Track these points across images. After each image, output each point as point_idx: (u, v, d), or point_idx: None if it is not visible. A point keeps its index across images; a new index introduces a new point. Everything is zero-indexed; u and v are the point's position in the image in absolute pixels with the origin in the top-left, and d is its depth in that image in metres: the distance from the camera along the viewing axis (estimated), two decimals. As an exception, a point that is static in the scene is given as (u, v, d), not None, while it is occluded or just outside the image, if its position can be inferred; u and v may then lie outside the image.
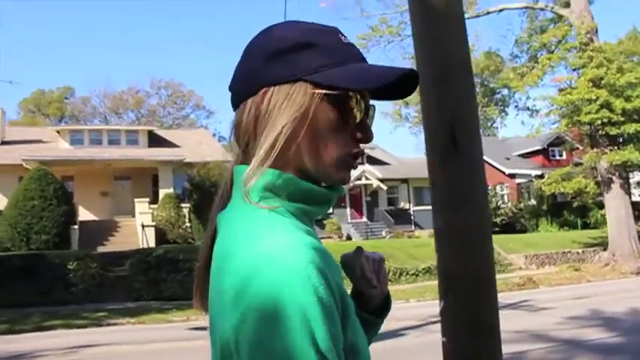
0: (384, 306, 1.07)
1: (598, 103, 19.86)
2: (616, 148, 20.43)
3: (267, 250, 0.72)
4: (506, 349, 7.86)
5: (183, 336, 10.51)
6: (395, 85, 0.87)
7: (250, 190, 0.81)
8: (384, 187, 30.58)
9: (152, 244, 22.66)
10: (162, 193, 25.37)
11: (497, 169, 37.43)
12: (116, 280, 16.75)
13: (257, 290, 0.69)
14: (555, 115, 21.84)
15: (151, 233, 23.49)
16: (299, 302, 0.68)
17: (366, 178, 30.40)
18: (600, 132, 20.62)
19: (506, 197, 37.02)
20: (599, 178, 21.21)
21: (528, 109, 34.14)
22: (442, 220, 2.45)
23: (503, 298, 15.92)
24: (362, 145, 0.89)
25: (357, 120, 0.87)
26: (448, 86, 2.39)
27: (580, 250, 23.40)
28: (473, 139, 2.38)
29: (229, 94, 0.92)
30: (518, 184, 36.31)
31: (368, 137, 0.88)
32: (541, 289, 16.34)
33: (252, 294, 0.69)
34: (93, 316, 13.25)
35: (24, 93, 77.80)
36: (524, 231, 33.24)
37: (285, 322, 0.68)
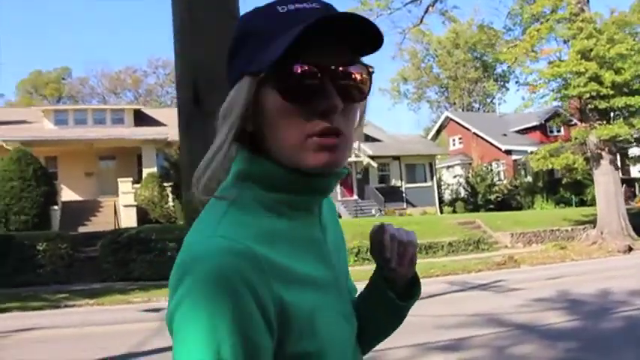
0: (410, 290, 1.02)
1: (587, 75, 19.16)
2: (605, 122, 19.77)
3: (195, 253, 0.74)
4: (451, 334, 7.45)
5: (135, 318, 10.16)
6: (324, 37, 0.78)
7: (229, 179, 0.84)
8: (375, 165, 30.01)
9: (134, 223, 22.38)
10: (145, 172, 25.00)
11: (493, 145, 36.82)
12: (86, 261, 16.42)
13: (179, 297, 0.72)
14: (544, 89, 21.12)
15: (133, 213, 23.21)
16: (209, 315, 0.69)
17: (356, 155, 29.82)
18: (589, 106, 19.96)
19: (502, 174, 36.43)
20: (589, 154, 20.63)
21: (529, 84, 33.45)
22: (188, 193, 1.97)
23: (477, 278, 15.80)
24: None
25: (308, 92, 0.78)
26: (196, 32, 1.89)
27: (569, 228, 22.85)
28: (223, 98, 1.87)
29: None
30: (515, 160, 35.64)
31: (329, 107, 0.78)
32: (521, 269, 15.86)
33: (176, 299, 0.72)
34: (53, 297, 12.92)
35: (22, 74, 77.56)
36: (519, 208, 32.74)
37: (193, 337, 0.69)
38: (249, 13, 0.86)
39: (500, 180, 35.66)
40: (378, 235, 0.95)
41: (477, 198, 33.25)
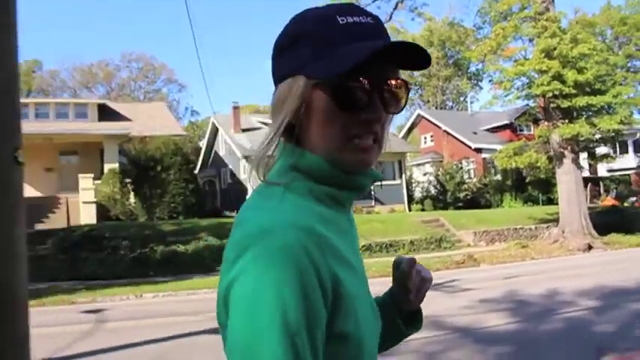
0: (412, 319, 1.15)
1: (550, 74, 19.11)
2: (567, 121, 19.75)
3: (261, 227, 0.77)
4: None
5: (71, 319, 9.77)
6: (383, 58, 0.87)
7: (280, 168, 0.90)
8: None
9: (93, 220, 21.89)
10: (107, 168, 24.45)
11: (463, 143, 36.84)
12: (37, 259, 15.91)
13: (242, 267, 0.75)
14: (509, 88, 21.02)
15: (92, 210, 22.66)
16: (277, 283, 0.72)
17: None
18: (552, 105, 19.92)
19: (472, 172, 36.43)
20: (552, 153, 20.60)
21: (495, 82, 33.46)
22: None
23: (434, 277, 15.40)
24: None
25: (361, 103, 0.87)
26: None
27: (533, 227, 22.86)
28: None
29: None
30: (484, 158, 35.66)
31: (374, 118, 0.88)
32: (480, 268, 15.75)
33: (237, 269, 0.76)
34: (-6, 298, 12.44)
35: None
36: (489, 206, 32.75)
37: (260, 301, 0.72)
38: (305, 15, 0.92)
39: (470, 178, 35.65)
40: (409, 266, 1.07)
41: (447, 196, 33.20)
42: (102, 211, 22.78)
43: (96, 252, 15.73)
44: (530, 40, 21.21)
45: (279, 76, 0.91)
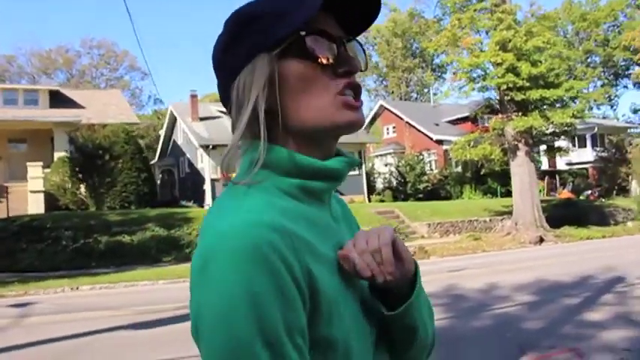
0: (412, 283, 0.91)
1: (504, 67, 19.11)
2: (521, 114, 19.79)
3: (221, 232, 0.72)
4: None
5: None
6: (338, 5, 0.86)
7: (244, 166, 0.84)
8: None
9: (42, 210, 21.23)
10: (57, 156, 23.73)
11: (425, 134, 36.86)
12: (-27, 251, 15.32)
13: (210, 276, 0.70)
14: (465, 79, 20.97)
15: (41, 199, 21.96)
16: (248, 288, 0.68)
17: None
18: (507, 97, 19.94)
19: (433, 164, 36.50)
20: (507, 145, 20.65)
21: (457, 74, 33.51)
22: None
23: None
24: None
25: (330, 57, 0.84)
26: None
27: (488, 219, 22.95)
28: None
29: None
30: (445, 150, 35.70)
31: (352, 67, 0.86)
32: (430, 260, 15.65)
33: (206, 279, 0.70)
34: None
35: (-57, 50, 73.24)
36: (449, 198, 32.89)
37: (234, 310, 0.68)
38: (245, 5, 0.89)
39: (431, 170, 35.73)
40: (344, 262, 0.83)
41: (407, 187, 33.21)
42: (51, 200, 22.11)
43: (36, 243, 15.19)
44: (487, 33, 21.19)
45: (231, 72, 0.86)
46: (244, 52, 0.84)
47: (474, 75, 20.53)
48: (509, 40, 19.24)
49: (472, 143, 20.80)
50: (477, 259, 15.53)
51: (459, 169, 34.62)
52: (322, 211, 0.87)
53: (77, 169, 22.56)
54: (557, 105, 20.16)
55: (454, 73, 21.03)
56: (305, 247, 0.76)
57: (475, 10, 20.07)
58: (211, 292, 0.69)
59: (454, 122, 38.08)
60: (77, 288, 12.08)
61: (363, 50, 0.92)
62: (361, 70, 0.89)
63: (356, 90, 0.86)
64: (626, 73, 47.59)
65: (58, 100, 28.15)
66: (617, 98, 49.41)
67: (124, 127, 24.00)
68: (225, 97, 0.89)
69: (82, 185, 22.35)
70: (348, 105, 0.84)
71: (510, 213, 22.35)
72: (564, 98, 19.81)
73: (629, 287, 9.45)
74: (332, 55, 0.84)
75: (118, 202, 22.62)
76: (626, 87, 47.15)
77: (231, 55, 0.86)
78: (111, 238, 16.23)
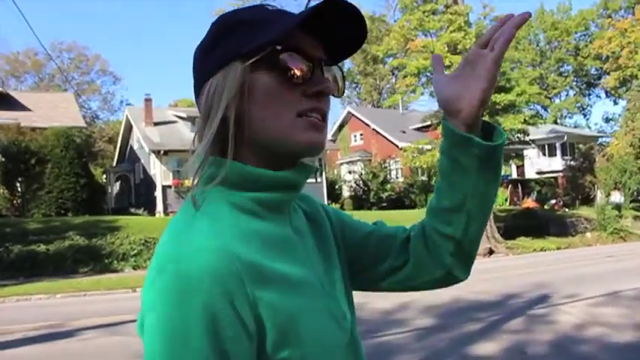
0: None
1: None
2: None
3: (166, 255, 0.71)
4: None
5: None
6: (326, 26, 0.83)
7: (198, 181, 0.82)
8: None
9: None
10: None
11: (391, 142, 35.99)
12: None
13: (150, 303, 0.70)
14: (415, 83, 20.12)
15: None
16: (182, 322, 0.67)
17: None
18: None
19: (399, 171, 35.62)
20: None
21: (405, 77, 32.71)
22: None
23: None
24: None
25: (302, 75, 0.81)
26: None
27: (441, 229, 22.05)
28: None
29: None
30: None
31: (325, 87, 0.83)
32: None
33: (147, 304, 0.70)
34: None
35: None
36: (413, 207, 32.02)
37: (163, 343, 0.67)
38: (232, 10, 0.88)
39: (397, 177, 34.88)
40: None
41: (370, 195, 32.31)
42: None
43: None
44: (437, 35, 20.37)
45: (205, 75, 0.84)
46: (220, 57, 0.82)
47: (424, 79, 19.66)
48: (460, 42, 18.41)
49: (422, 150, 19.89)
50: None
51: (425, 177, 33.78)
52: (280, 225, 0.83)
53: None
54: (510, 110, 19.33)
55: (404, 77, 20.11)
56: (253, 270, 0.72)
57: (424, 12, 19.19)
58: (151, 321, 0.68)
59: (421, 129, 37.22)
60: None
61: (343, 77, 0.90)
62: (334, 95, 0.87)
63: (323, 115, 0.83)
64: (598, 82, 47.16)
65: (3, 102, 26.96)
66: (590, 107, 48.93)
67: (65, 131, 22.87)
68: (197, 99, 0.87)
69: (5, 191, 21.13)
70: (312, 126, 0.81)
71: (465, 223, 21.49)
72: (516, 103, 18.98)
73: (547, 309, 8.52)
74: (304, 73, 0.81)
75: (53, 209, 21.47)
76: (598, 96, 46.63)
77: (207, 58, 0.84)
78: (25, 247, 15.07)
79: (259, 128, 0.80)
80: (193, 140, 0.85)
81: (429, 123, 34.05)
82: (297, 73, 0.80)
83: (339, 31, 0.84)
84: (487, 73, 0.83)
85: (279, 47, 0.79)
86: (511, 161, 24.05)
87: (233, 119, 0.79)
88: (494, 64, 0.82)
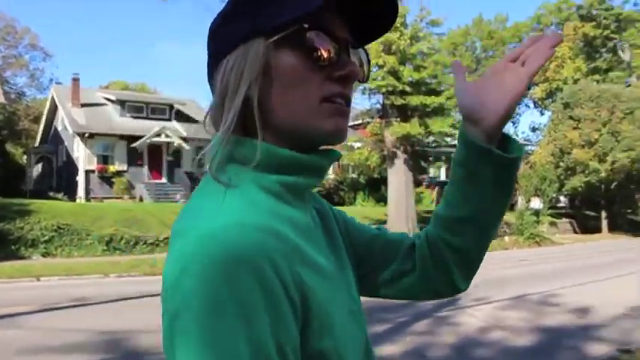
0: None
1: (385, 69, 18.37)
2: (401, 120, 19.14)
3: (201, 236, 0.62)
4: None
5: None
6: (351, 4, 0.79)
7: (218, 163, 0.74)
8: (187, 147, 27.93)
9: None
10: None
11: (323, 139, 36.00)
12: None
13: (185, 296, 0.60)
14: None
15: None
16: (232, 310, 0.59)
17: (167, 136, 27.56)
18: (387, 102, 19.24)
19: (329, 169, 35.69)
20: (386, 152, 19.96)
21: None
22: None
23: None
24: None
25: (328, 57, 0.75)
26: None
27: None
28: None
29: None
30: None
31: (351, 72, 0.77)
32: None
33: (180, 300, 0.61)
34: None
35: None
36: (342, 204, 32.20)
37: (221, 324, 0.58)
38: None
39: (327, 175, 34.97)
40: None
41: (298, 191, 32.24)
42: None
43: None
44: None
45: (223, 47, 0.77)
46: (241, 30, 0.76)
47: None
48: (395, 43, 18.53)
49: (351, 148, 19.94)
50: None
51: (355, 174, 34.06)
52: (303, 212, 0.79)
53: None
54: (439, 113, 19.63)
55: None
56: (295, 252, 0.68)
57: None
58: (190, 316, 0.59)
59: (354, 127, 37.49)
60: None
61: (369, 61, 0.86)
62: (360, 81, 0.83)
63: (347, 101, 0.78)
64: (527, 92, 48.76)
65: None
66: (519, 116, 50.59)
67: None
68: (209, 75, 0.80)
69: None
70: (338, 113, 0.76)
71: (386, 222, 21.75)
72: (446, 107, 19.29)
73: (454, 311, 8.60)
74: (331, 55, 0.75)
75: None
76: (527, 106, 48.27)
77: (226, 28, 0.78)
78: None
79: (280, 111, 0.75)
80: (204, 120, 0.80)
81: (360, 121, 34.48)
82: (324, 54, 0.75)
83: (367, 12, 0.81)
84: (520, 85, 0.82)
85: (306, 25, 0.74)
86: (441, 163, 24.43)
87: (257, 100, 0.73)
88: (528, 78, 0.82)
